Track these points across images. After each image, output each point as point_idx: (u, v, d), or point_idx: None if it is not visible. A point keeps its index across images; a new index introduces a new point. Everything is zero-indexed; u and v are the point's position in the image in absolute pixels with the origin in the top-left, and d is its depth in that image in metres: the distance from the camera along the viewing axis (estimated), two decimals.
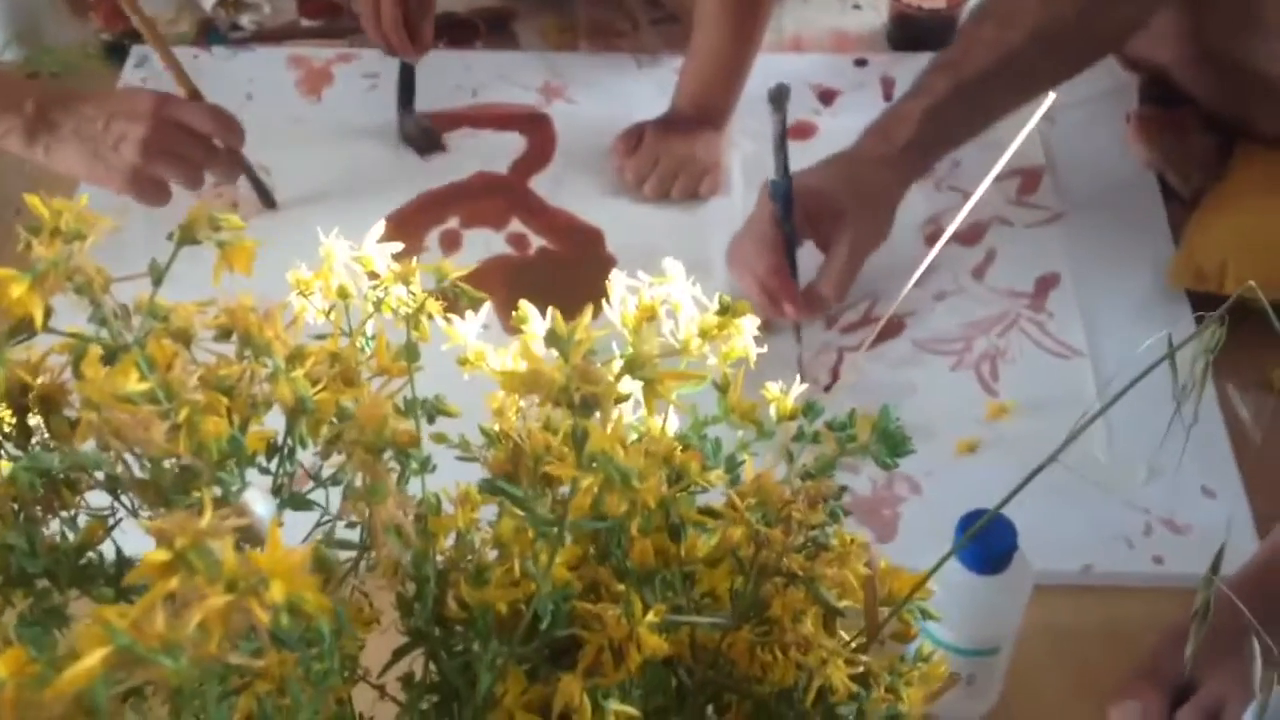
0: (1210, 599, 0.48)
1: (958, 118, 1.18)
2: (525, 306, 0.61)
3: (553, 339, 0.46)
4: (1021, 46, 1.15)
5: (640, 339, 0.48)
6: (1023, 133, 0.63)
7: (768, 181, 1.16)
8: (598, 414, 0.45)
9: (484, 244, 1.31)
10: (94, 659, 0.36)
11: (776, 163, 1.16)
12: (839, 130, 1.29)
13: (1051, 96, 0.69)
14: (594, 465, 0.45)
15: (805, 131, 1.40)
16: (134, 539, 0.50)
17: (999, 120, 1.19)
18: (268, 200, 1.33)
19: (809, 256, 1.19)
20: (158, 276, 0.52)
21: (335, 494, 0.55)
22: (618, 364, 0.50)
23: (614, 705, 0.48)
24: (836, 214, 1.17)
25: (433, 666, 0.58)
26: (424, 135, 1.41)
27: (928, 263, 0.73)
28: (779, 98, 1.14)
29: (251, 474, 0.55)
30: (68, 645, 0.37)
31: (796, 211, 1.16)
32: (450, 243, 1.31)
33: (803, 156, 1.37)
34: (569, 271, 1.28)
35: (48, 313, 0.49)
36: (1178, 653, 0.87)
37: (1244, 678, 0.54)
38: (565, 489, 0.51)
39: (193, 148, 1.22)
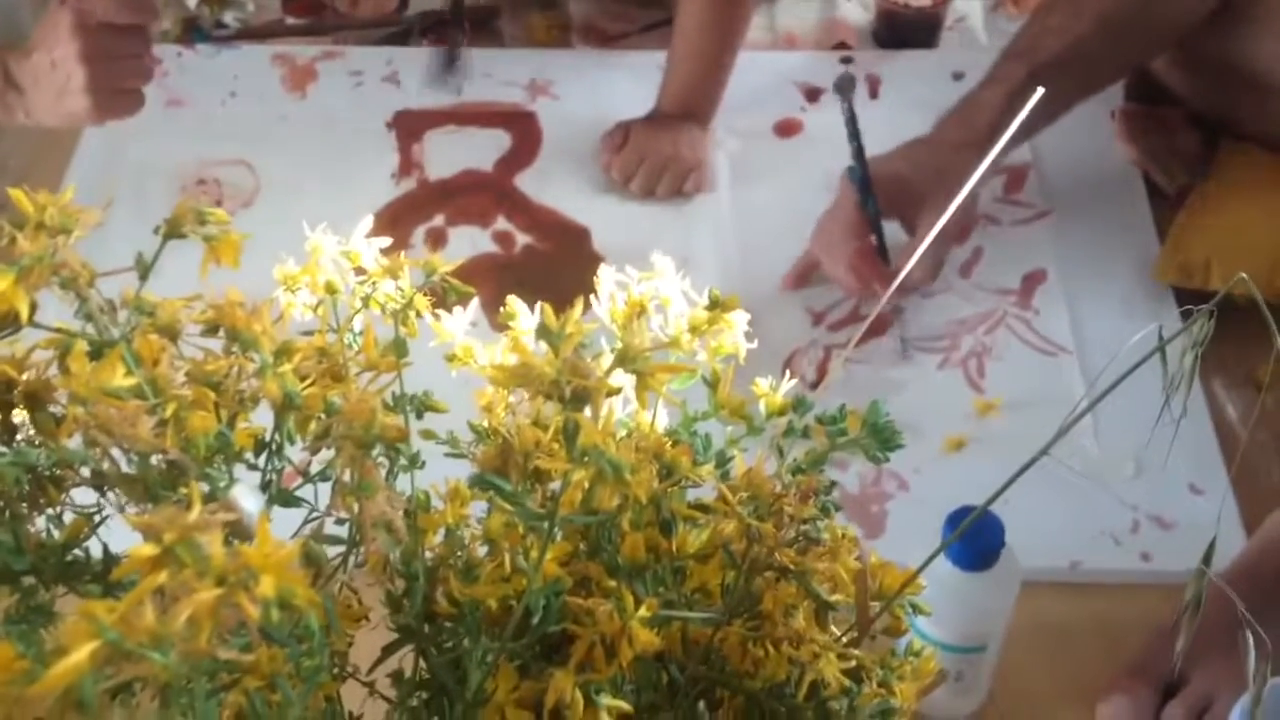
0: (1202, 592, 0.48)
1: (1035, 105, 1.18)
2: (513, 302, 0.60)
3: (543, 332, 0.46)
4: (1088, 34, 1.17)
5: (630, 333, 0.47)
6: (1010, 128, 0.62)
7: (847, 168, 1.19)
8: (588, 408, 0.44)
9: (470, 241, 1.31)
10: (82, 654, 0.36)
11: (852, 149, 1.18)
12: (824, 127, 1.30)
13: (1039, 93, 0.68)
14: (585, 459, 0.44)
15: (791, 129, 1.40)
16: (121, 536, 0.50)
17: (1070, 108, 1.21)
18: None
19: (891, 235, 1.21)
20: (144, 271, 0.52)
21: (324, 490, 0.54)
22: (608, 359, 0.50)
23: (606, 700, 0.48)
24: (918, 197, 1.18)
25: (423, 663, 0.58)
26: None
27: (914, 260, 0.72)
28: (844, 87, 1.19)
29: (240, 470, 0.54)
30: (55, 641, 0.37)
31: (879, 196, 1.18)
32: (436, 240, 1.31)
33: (789, 153, 1.38)
34: (555, 268, 1.28)
35: (33, 307, 0.49)
36: (1166, 649, 0.87)
37: (1232, 673, 0.54)
38: (556, 485, 0.51)
39: (125, 42, 1.18)
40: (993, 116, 1.18)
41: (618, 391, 0.45)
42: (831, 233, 1.20)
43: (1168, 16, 1.21)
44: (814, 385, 1.16)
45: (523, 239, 1.31)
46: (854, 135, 1.19)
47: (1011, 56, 1.21)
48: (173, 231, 0.52)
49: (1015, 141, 1.23)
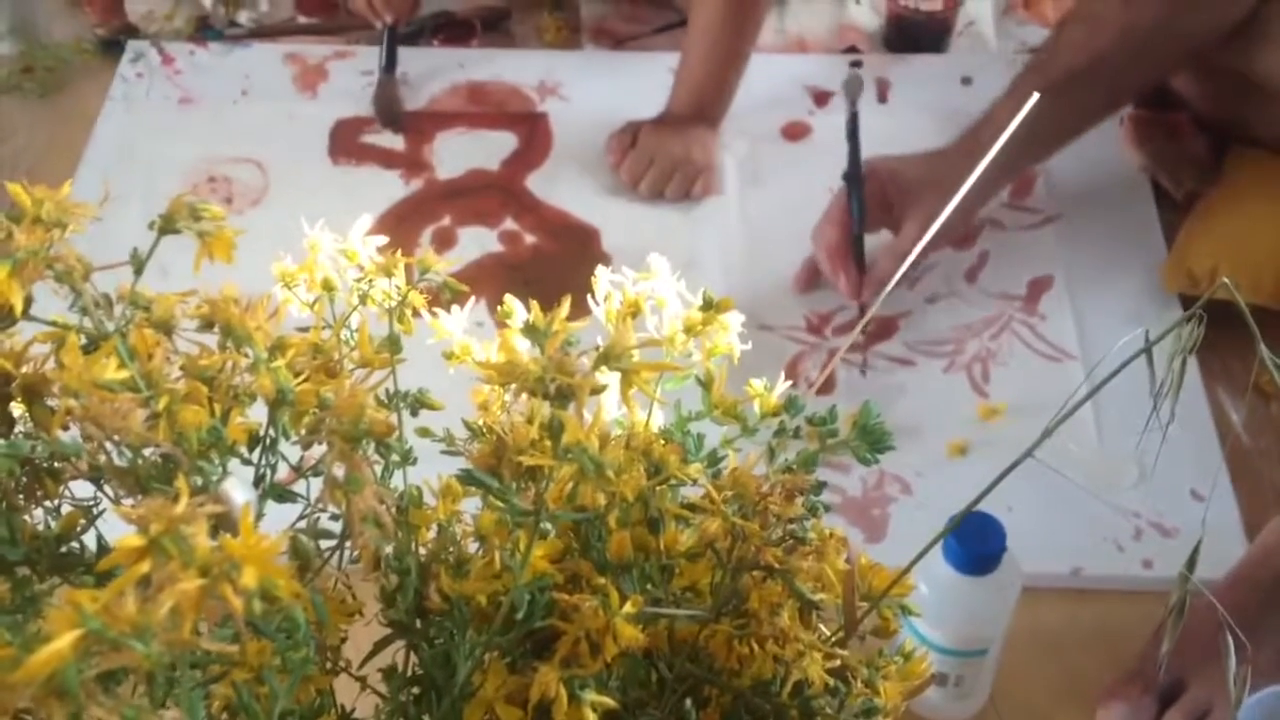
0: (1186, 596, 0.48)
1: (1047, 119, 1.18)
2: (510, 301, 0.61)
3: (529, 330, 0.46)
4: (1109, 49, 1.16)
5: (618, 331, 0.48)
6: (1006, 131, 0.63)
7: (845, 171, 1.22)
8: (573, 405, 0.45)
9: (478, 242, 1.31)
10: (64, 642, 0.36)
11: (849, 150, 1.20)
12: (832, 130, 1.29)
13: (1035, 98, 0.68)
14: (568, 456, 0.45)
15: (799, 132, 1.40)
16: (118, 529, 0.50)
17: (1094, 123, 1.21)
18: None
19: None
20: (139, 265, 0.52)
21: (318, 486, 0.55)
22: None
23: (590, 696, 0.48)
24: (910, 199, 1.19)
25: (414, 658, 0.58)
26: (390, 108, 1.43)
27: (911, 258, 0.73)
28: (852, 88, 1.22)
29: (234, 465, 0.54)
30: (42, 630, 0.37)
31: (874, 194, 1.19)
32: (444, 241, 1.31)
33: (796, 157, 1.38)
34: (563, 270, 1.29)
35: (28, 301, 0.49)
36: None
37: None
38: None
39: None
40: (998, 132, 1.17)
41: (603, 389, 0.45)
42: (822, 226, 1.22)
43: (1187, 30, 1.20)
44: (812, 385, 1.16)
45: (531, 240, 1.32)
46: (852, 135, 1.21)
47: (1028, 71, 1.21)
48: (167, 227, 0.53)
49: (1035, 156, 1.24)
